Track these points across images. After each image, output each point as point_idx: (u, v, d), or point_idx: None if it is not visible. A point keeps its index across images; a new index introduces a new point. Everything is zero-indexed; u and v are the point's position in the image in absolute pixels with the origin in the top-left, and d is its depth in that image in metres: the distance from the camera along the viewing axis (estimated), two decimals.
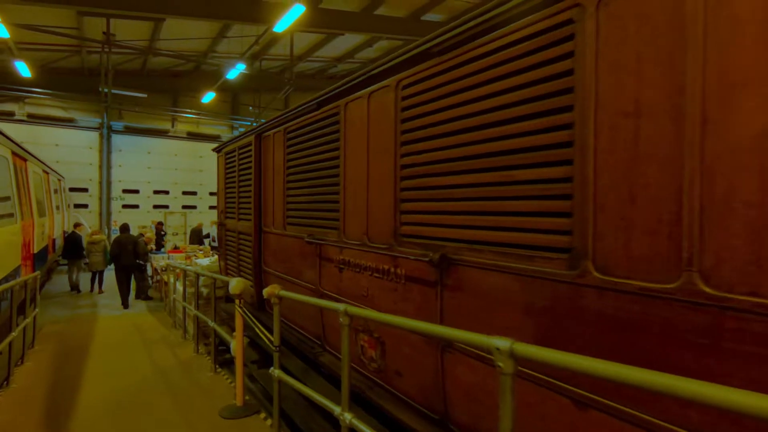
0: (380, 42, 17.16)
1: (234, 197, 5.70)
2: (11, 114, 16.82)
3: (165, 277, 10.07)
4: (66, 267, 15.72)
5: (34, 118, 17.14)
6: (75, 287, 11.73)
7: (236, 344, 4.17)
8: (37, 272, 6.97)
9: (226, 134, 21.46)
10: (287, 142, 4.24)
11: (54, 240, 11.54)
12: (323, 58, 19.13)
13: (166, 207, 20.03)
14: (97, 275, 11.62)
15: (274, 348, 3.30)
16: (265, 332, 3.51)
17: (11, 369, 5.32)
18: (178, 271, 8.29)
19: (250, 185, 5.11)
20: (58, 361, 6.11)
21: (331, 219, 3.47)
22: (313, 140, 3.74)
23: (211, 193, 21.21)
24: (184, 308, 7.19)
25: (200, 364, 5.86)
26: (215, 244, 6.29)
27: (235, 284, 4.21)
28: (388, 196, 2.72)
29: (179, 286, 8.26)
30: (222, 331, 4.87)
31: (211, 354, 5.51)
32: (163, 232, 14.96)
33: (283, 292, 3.25)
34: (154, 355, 6.36)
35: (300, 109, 3.91)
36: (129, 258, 10.03)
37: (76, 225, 12.40)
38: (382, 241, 2.79)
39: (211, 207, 21.14)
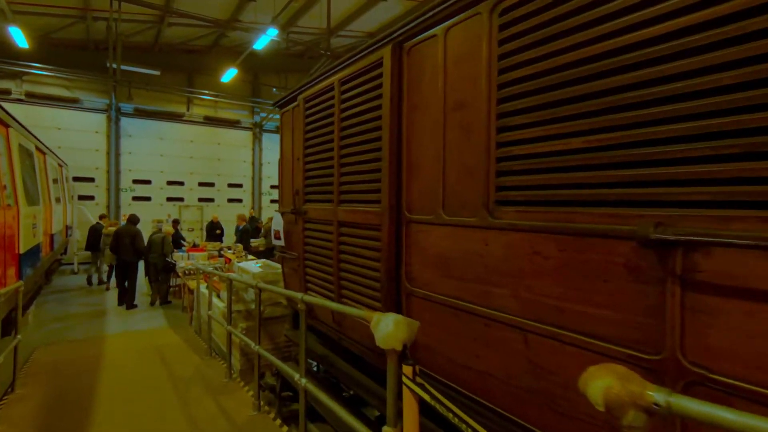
0: None
1: (327, 168, 3.50)
2: (7, 92, 14.70)
3: (191, 284, 7.92)
4: (69, 266, 13.85)
5: (33, 98, 15.02)
6: (89, 281, 11.42)
7: None
8: (20, 283, 4.82)
9: (246, 119, 19.33)
10: (504, 31, 2.01)
11: (52, 236, 9.42)
12: (356, 33, 16.91)
13: (181, 200, 17.91)
14: (114, 270, 10.29)
15: None
16: None
17: None
18: (215, 279, 6.12)
19: (373, 143, 2.90)
20: (44, 423, 3.96)
21: None
22: None
23: (230, 185, 19.10)
24: (230, 334, 5.02)
25: None
26: (279, 242, 4.08)
27: (394, 328, 2.01)
28: None
29: (217, 300, 6.09)
30: (344, 413, 2.64)
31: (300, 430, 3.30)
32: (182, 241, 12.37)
33: (688, 406, 1.02)
34: (193, 412, 4.18)
35: None
36: (127, 253, 8.89)
37: (101, 216, 12.29)
38: None
39: (230, 200, 19.04)
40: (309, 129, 3.80)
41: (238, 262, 6.43)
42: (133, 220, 9.35)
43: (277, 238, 4.56)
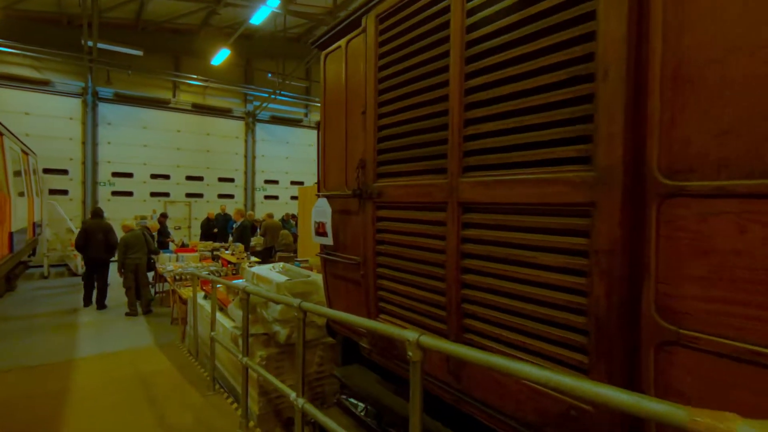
0: None
1: (430, 117, 2.12)
2: None
3: (185, 292, 6.44)
4: (39, 269, 12.16)
5: None
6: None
7: None
8: None
9: (239, 108, 17.73)
10: None
11: (12, 235, 7.81)
12: None
13: (167, 195, 16.25)
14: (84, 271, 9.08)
15: None
16: None
17: None
18: (220, 287, 4.67)
19: (562, 50, 1.54)
20: None
21: None
22: None
23: (221, 179, 17.47)
24: (246, 369, 3.58)
25: None
26: (323, 239, 2.61)
27: None
28: None
29: (220, 317, 4.65)
30: None
31: None
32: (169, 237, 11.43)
33: None
34: None
35: None
36: (99, 250, 7.95)
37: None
38: None
39: (220, 195, 17.41)
40: (388, 62, 2.40)
41: (250, 266, 4.98)
42: (99, 213, 8.51)
43: (320, 233, 3.15)
